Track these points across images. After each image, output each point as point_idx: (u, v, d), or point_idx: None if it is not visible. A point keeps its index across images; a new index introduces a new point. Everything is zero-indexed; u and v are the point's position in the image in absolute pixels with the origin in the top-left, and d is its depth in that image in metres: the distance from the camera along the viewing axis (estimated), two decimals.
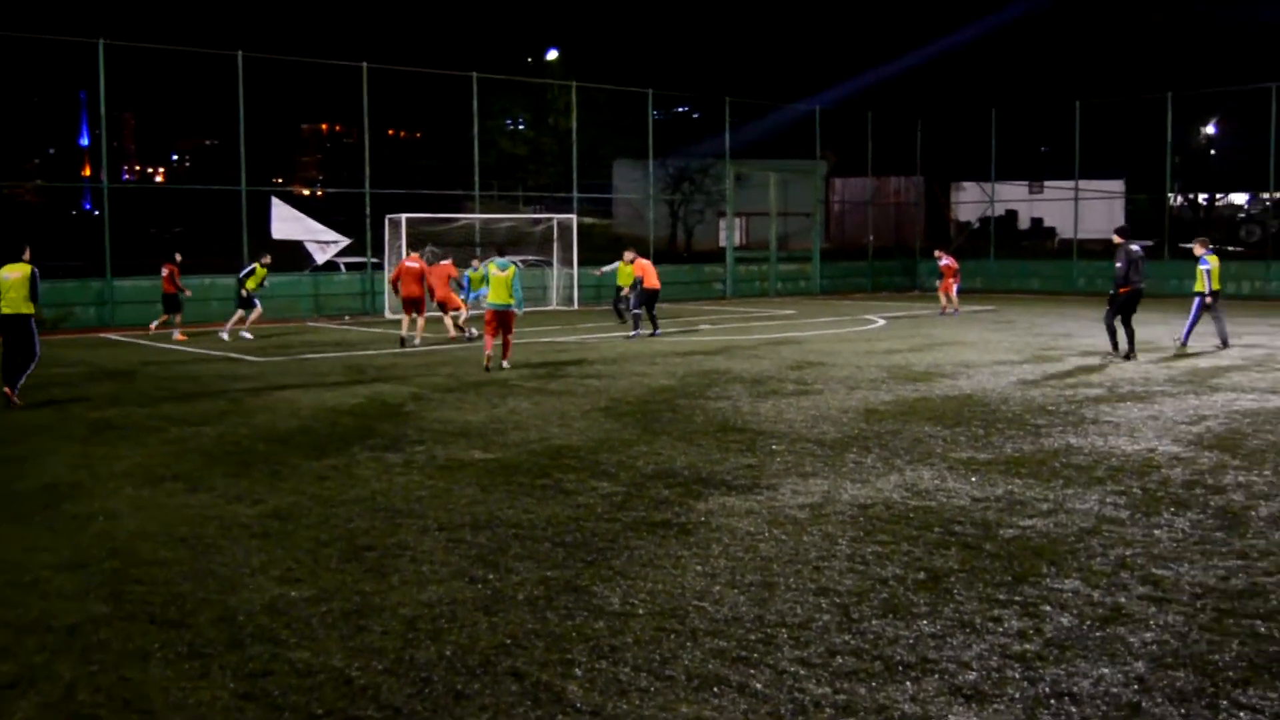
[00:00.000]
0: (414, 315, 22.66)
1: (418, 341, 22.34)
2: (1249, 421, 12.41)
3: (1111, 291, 19.26)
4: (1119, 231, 19.52)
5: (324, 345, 23.04)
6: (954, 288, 31.54)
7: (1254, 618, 6.11)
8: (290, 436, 12.04)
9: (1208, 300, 20.15)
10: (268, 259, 25.22)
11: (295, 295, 31.72)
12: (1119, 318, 19.09)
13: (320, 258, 33.63)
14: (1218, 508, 8.49)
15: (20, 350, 14.48)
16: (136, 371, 18.54)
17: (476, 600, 6.49)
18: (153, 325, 25.81)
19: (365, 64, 33.32)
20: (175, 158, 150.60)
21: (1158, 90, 43.92)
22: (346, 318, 31.41)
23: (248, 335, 24.58)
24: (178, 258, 25.37)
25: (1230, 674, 5.36)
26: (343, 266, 34.63)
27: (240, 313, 24.81)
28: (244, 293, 24.68)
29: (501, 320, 18.00)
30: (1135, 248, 18.90)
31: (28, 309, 14.40)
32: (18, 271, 14.34)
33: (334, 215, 38.32)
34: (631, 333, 24.12)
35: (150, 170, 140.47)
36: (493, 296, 18.09)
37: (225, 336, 24.47)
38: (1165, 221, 45.94)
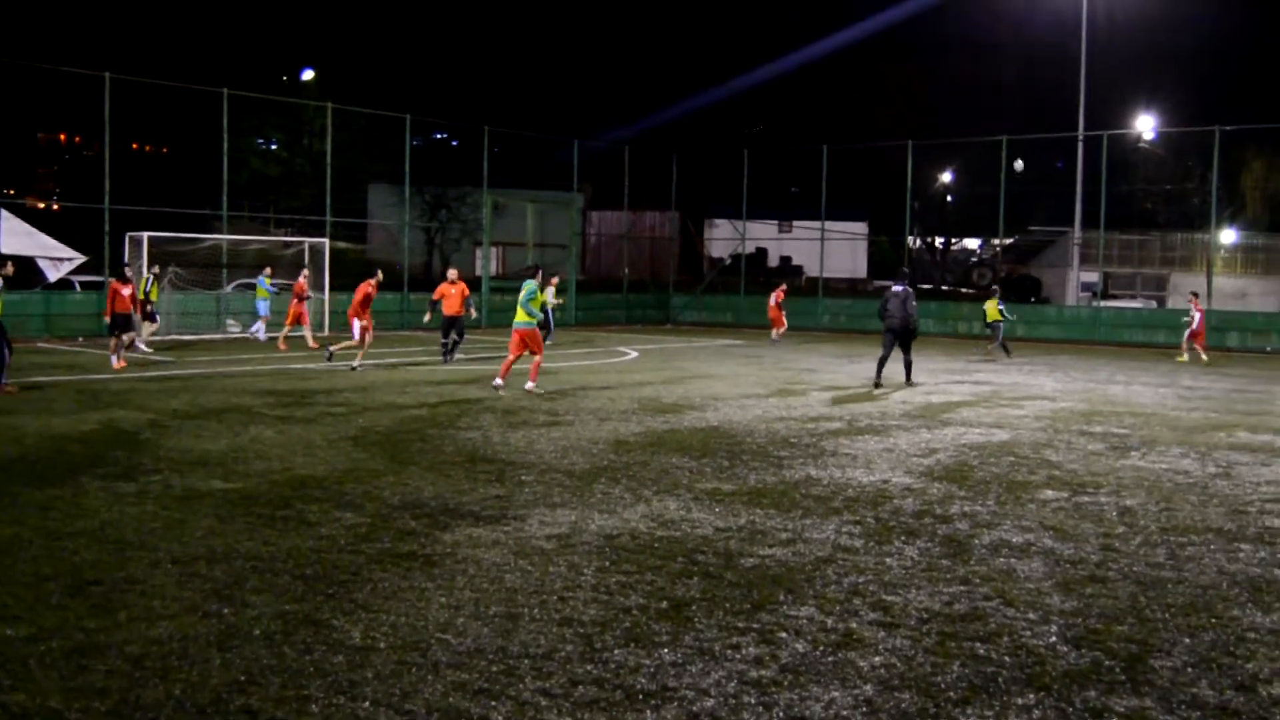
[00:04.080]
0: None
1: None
2: (975, 454, 13.11)
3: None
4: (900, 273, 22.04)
5: (55, 368, 21.85)
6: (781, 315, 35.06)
7: (975, 640, 6.44)
8: (10, 465, 11.33)
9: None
10: (9, 269, 22.94)
11: (25, 314, 29.95)
12: (893, 351, 20.98)
13: (53, 275, 31.96)
14: (944, 536, 8.92)
15: None
16: None
17: (209, 636, 6.24)
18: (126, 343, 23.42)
19: (108, 74, 31.92)
20: None
21: (899, 138, 46.15)
22: (80, 339, 29.85)
23: None
24: (127, 273, 23.90)
25: (951, 694, 5.63)
26: (77, 285, 32.98)
27: None
28: None
29: (523, 338, 18.36)
30: (896, 287, 20.98)
31: None
32: None
33: (70, 231, 36.52)
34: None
35: None
36: (517, 317, 18.44)
37: None
38: (905, 263, 48.17)
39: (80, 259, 33.02)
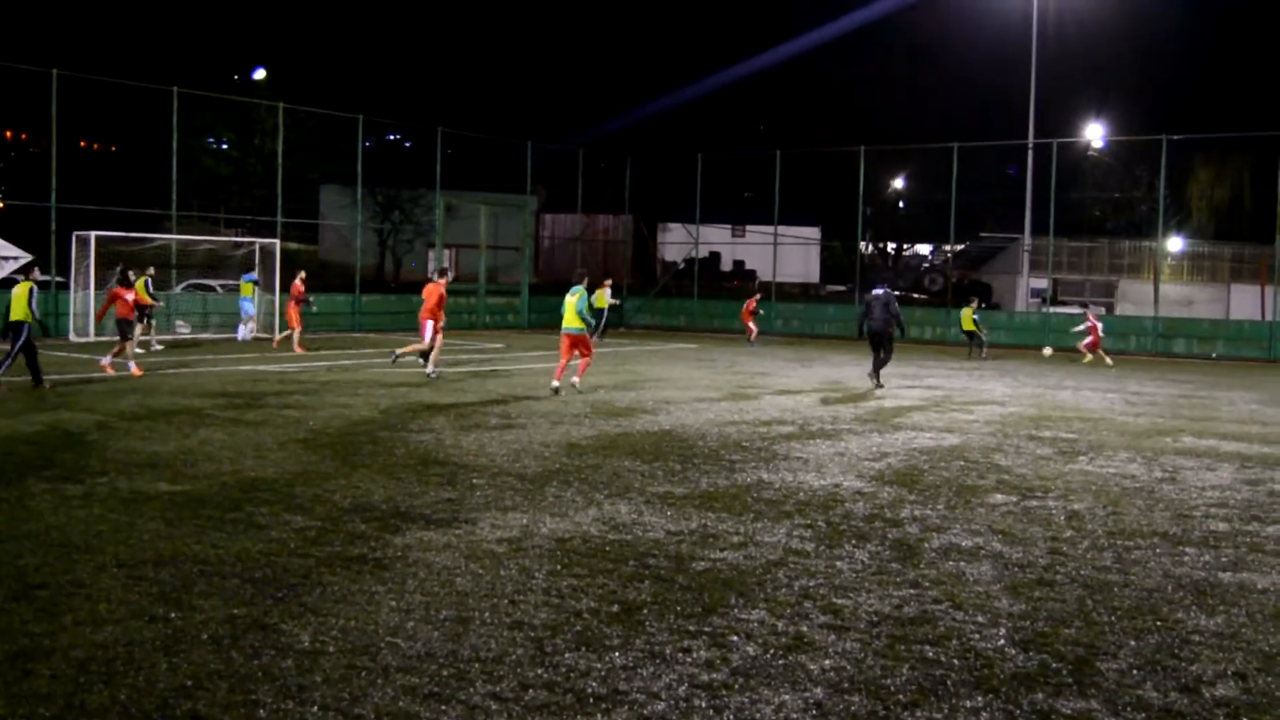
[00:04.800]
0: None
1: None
2: (926, 459, 13.20)
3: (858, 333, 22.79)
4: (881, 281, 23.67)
5: None
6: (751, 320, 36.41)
7: (924, 643, 6.48)
8: None
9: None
10: (37, 273, 21.66)
11: None
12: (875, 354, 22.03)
13: None
14: (895, 540, 8.98)
15: None
16: None
17: (156, 640, 6.17)
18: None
19: (55, 70, 31.53)
20: None
21: (852, 144, 46.42)
22: None
23: None
24: (131, 277, 23.08)
25: (901, 697, 5.66)
26: None
27: None
28: None
29: (574, 343, 19.27)
30: (878, 291, 21.99)
31: None
32: None
33: (16, 230, 35.97)
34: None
35: None
36: (565, 321, 19.28)
37: None
38: (857, 268, 48.48)
39: (26, 258, 32.53)
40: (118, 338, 21.98)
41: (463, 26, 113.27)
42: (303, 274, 29.14)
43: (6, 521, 8.82)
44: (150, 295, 25.93)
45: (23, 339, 18.27)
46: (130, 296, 22.17)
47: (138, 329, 23.60)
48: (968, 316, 31.88)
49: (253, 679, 5.65)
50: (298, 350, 27.32)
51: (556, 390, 18.94)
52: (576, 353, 19.37)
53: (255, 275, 32.11)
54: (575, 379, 19.35)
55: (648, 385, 21.17)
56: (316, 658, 5.97)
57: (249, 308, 31.53)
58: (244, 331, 31.41)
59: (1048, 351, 33.36)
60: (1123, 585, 7.83)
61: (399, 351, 23.02)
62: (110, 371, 20.71)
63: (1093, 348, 30.80)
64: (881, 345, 21.82)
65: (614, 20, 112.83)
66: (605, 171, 51.83)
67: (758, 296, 38.36)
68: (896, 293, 23.71)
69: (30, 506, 9.38)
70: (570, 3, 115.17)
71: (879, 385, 21.60)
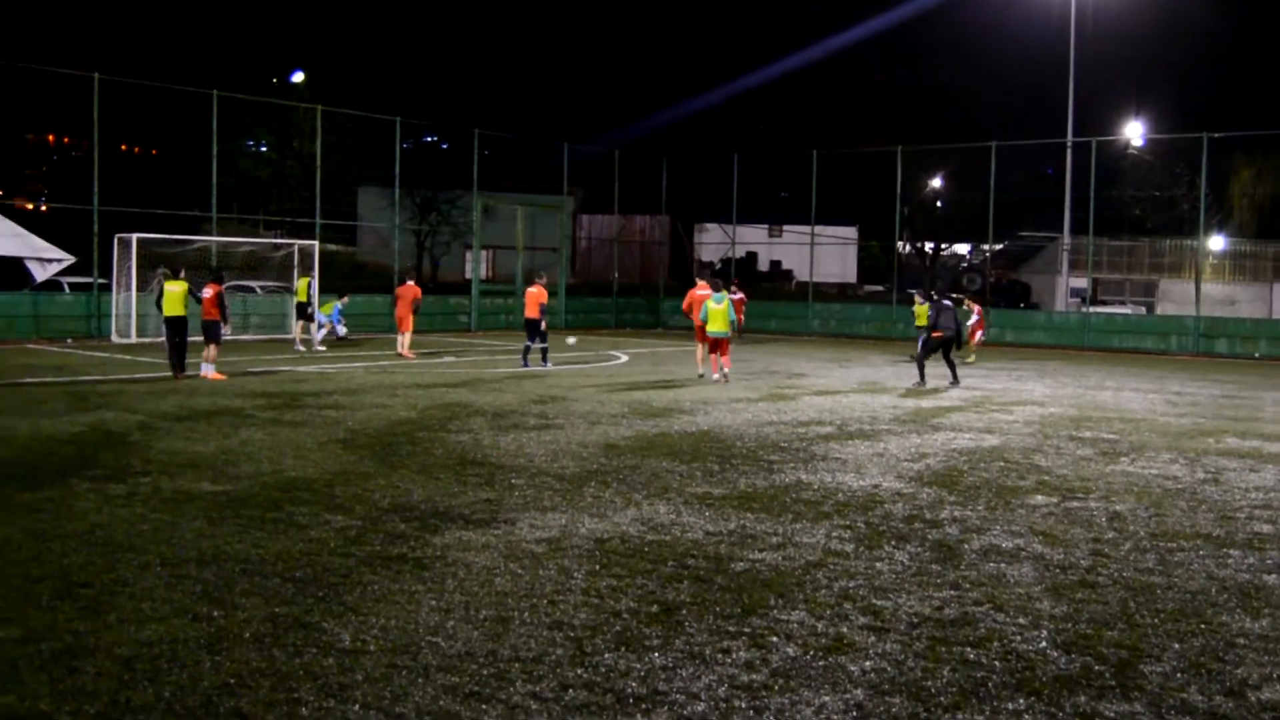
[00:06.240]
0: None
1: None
2: (965, 460, 13.13)
3: (925, 336, 22.93)
4: (935, 290, 23.91)
5: (44, 369, 21.78)
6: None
7: (965, 645, 6.45)
8: (0, 466, 11.31)
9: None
10: None
11: (13, 315, 29.89)
12: (933, 356, 22.55)
13: (40, 275, 31.86)
14: (935, 541, 8.93)
15: None
16: None
17: (199, 639, 6.22)
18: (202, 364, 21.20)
19: (97, 75, 31.85)
20: None
21: (889, 144, 46.21)
22: (70, 340, 29.77)
23: None
24: (224, 277, 23.14)
25: (942, 699, 5.63)
26: (66, 286, 32.88)
27: None
28: None
29: (716, 344, 21.93)
30: (946, 302, 22.31)
31: None
32: None
33: (59, 232, 36.37)
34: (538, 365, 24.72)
35: None
36: (711, 326, 21.72)
37: None
38: (895, 268, 48.24)
39: (69, 260, 32.93)
40: (207, 342, 21.02)
41: (498, 29, 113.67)
42: (411, 281, 29.58)
43: (51, 521, 8.92)
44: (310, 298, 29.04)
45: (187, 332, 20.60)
46: (208, 293, 21.20)
47: (222, 332, 23.65)
48: (922, 314, 31.12)
49: (295, 677, 5.68)
50: (407, 355, 27.30)
51: (715, 379, 21.71)
52: (718, 352, 21.88)
53: (340, 304, 33.21)
54: (714, 374, 21.91)
55: (685, 385, 21.16)
56: (358, 657, 6.00)
57: (335, 316, 32.16)
58: (340, 330, 32.92)
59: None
60: (1166, 587, 7.76)
61: (546, 363, 24.71)
62: (220, 378, 20.27)
63: (972, 336, 30.67)
64: (948, 349, 22.45)
65: (649, 21, 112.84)
66: (642, 172, 51.75)
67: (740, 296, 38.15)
68: (933, 293, 23.79)
69: (74, 506, 9.48)
70: (606, 3, 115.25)
71: (923, 383, 22.09)
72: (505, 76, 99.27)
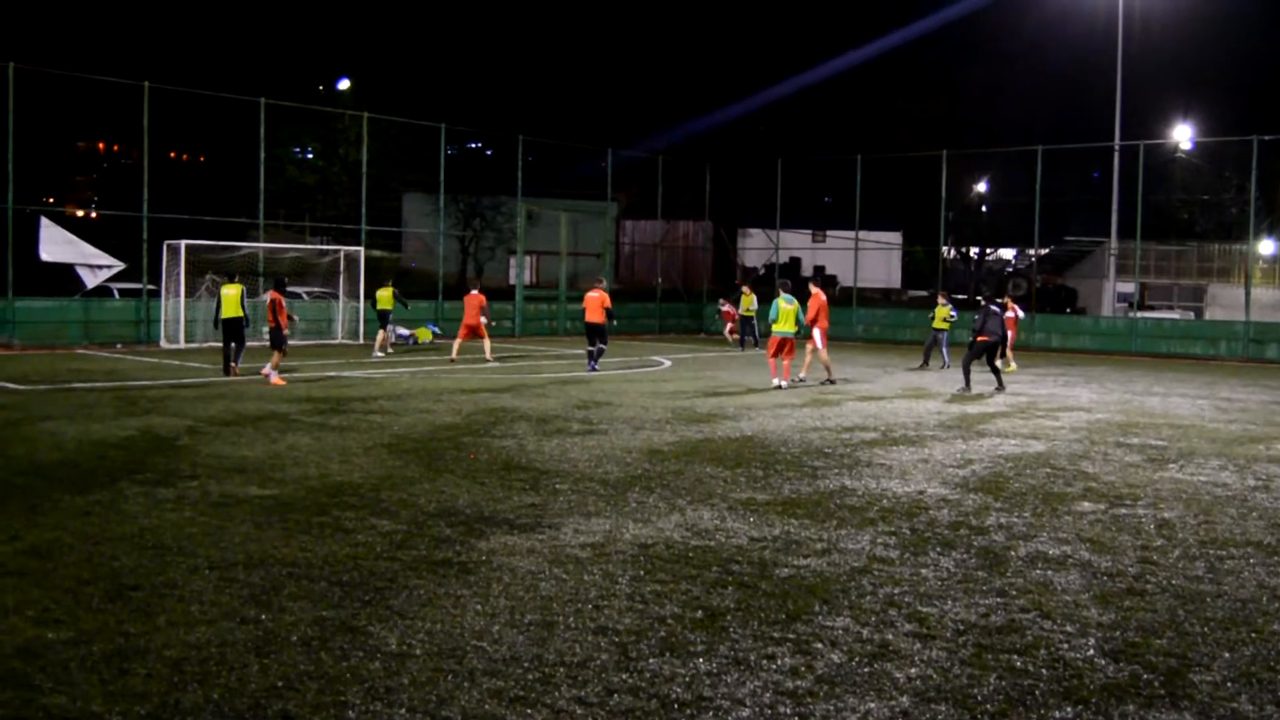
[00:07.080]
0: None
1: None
2: (1011, 466, 13.04)
3: (971, 340, 22.78)
4: (982, 296, 23.84)
5: (94, 374, 22.05)
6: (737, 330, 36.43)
7: (1011, 653, 6.41)
8: (52, 470, 11.46)
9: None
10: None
11: (64, 321, 30.29)
12: (977, 360, 22.85)
13: (91, 281, 32.24)
14: (980, 548, 8.88)
15: None
16: None
17: (247, 641, 6.29)
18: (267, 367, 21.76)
19: (147, 83, 32.23)
20: None
21: (933, 148, 45.98)
22: (119, 346, 30.13)
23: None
24: (286, 284, 23.55)
25: (988, 707, 5.60)
26: (116, 292, 33.27)
27: None
28: None
29: (783, 344, 22.01)
30: (994, 306, 22.38)
31: None
32: None
33: (108, 238, 36.80)
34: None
35: None
36: (780, 325, 21.97)
37: None
38: (939, 272, 47.96)
39: (119, 266, 33.31)
40: (272, 348, 21.60)
41: (543, 35, 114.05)
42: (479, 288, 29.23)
43: (101, 524, 9.03)
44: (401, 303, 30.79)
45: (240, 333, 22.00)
46: (267, 297, 21.92)
47: (285, 337, 23.88)
48: (941, 315, 29.67)
49: (341, 681, 5.73)
50: (489, 359, 27.28)
51: (786, 387, 21.77)
52: (783, 352, 21.98)
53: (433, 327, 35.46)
54: (784, 381, 21.97)
55: (729, 391, 21.14)
56: (404, 660, 6.04)
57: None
58: (404, 333, 33.83)
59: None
60: (1216, 596, 7.68)
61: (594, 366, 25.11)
62: (280, 383, 20.47)
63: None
64: (993, 354, 22.61)
65: (693, 27, 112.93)
66: (685, 177, 51.76)
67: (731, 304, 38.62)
68: (979, 298, 23.96)
69: (124, 509, 9.60)
70: (649, 8, 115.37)
71: (968, 388, 22.20)
72: (549, 83, 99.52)
